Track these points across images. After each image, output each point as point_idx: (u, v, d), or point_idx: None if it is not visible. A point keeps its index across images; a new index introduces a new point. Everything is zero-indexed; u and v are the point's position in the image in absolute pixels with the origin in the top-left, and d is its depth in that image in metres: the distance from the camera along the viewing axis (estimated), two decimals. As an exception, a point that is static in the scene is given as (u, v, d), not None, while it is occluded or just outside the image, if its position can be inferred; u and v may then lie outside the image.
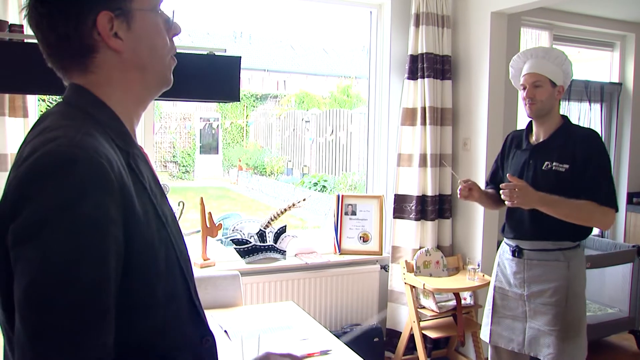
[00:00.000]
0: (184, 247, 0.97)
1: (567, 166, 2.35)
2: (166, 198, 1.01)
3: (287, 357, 1.02)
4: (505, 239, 2.58)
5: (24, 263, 0.76)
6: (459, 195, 2.57)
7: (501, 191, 2.31)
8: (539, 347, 2.41)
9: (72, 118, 0.88)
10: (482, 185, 3.52)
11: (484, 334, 2.62)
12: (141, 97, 1.00)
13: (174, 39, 1.03)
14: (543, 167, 2.41)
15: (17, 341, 0.77)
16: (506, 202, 2.31)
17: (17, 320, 0.77)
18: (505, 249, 2.57)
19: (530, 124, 2.55)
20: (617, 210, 2.32)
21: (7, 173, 0.86)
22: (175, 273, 0.92)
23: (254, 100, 12.08)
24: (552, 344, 2.36)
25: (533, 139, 2.51)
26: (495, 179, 2.71)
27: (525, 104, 2.45)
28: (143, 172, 0.91)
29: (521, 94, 2.47)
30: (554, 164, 2.37)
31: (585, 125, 4.28)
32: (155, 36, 0.97)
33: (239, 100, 2.16)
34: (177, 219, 1.05)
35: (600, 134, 2.48)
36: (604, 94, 4.82)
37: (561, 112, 2.55)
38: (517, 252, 2.48)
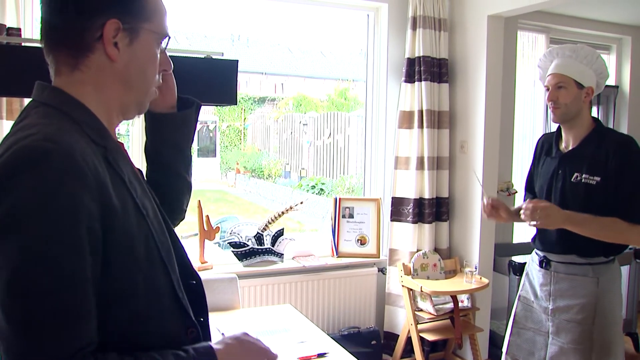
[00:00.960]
0: (166, 239, 0.99)
1: (598, 179, 2.15)
2: (149, 192, 1.02)
3: (259, 342, 1.04)
4: (535, 248, 2.41)
5: (3, 255, 0.78)
6: (484, 212, 2.40)
7: (521, 212, 2.14)
8: None
9: (48, 116, 0.90)
10: (479, 189, 3.54)
11: (505, 344, 2.48)
12: (119, 110, 1.01)
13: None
14: (572, 179, 2.21)
15: (1, 333, 0.80)
16: (528, 224, 2.13)
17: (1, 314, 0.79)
18: (534, 259, 2.41)
19: (560, 128, 2.35)
20: None
21: None
22: (156, 264, 0.94)
23: (251, 103, 12.08)
24: None
25: (562, 145, 2.31)
26: (531, 186, 2.50)
27: (550, 107, 2.26)
28: (121, 166, 0.93)
29: (546, 96, 2.28)
30: (584, 175, 2.18)
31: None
32: (149, 62, 1.01)
33: (236, 104, 2.16)
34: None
35: (636, 140, 2.23)
36: (600, 96, 4.83)
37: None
38: (544, 263, 2.32)
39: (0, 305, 0.79)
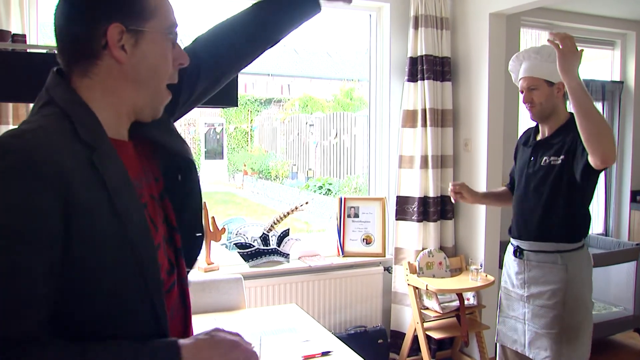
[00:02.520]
0: (151, 250, 0.97)
1: (562, 157, 2.30)
2: (137, 200, 0.99)
3: (236, 336, 1.03)
4: (510, 237, 2.56)
5: None
6: (452, 200, 2.67)
7: (553, 36, 2.09)
8: (537, 349, 2.39)
9: (47, 115, 0.93)
10: (483, 187, 3.55)
11: (496, 333, 2.63)
12: (131, 111, 1.02)
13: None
14: (542, 163, 2.38)
15: None
16: (556, 41, 2.07)
17: None
18: (510, 249, 2.56)
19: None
20: (613, 155, 2.10)
21: None
22: (127, 272, 0.93)
23: (258, 105, 12.10)
24: (549, 347, 2.34)
25: (539, 136, 2.48)
26: (512, 176, 2.70)
27: (526, 108, 2.42)
28: (108, 169, 0.92)
29: (521, 97, 2.44)
30: (552, 157, 2.34)
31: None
32: (159, 59, 1.01)
33: (237, 106, 2.18)
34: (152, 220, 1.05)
35: None
36: (605, 92, 4.82)
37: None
38: (518, 252, 2.47)
39: None
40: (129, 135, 1.06)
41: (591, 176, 2.23)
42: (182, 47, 1.07)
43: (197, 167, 1.16)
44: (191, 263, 1.21)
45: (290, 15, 1.32)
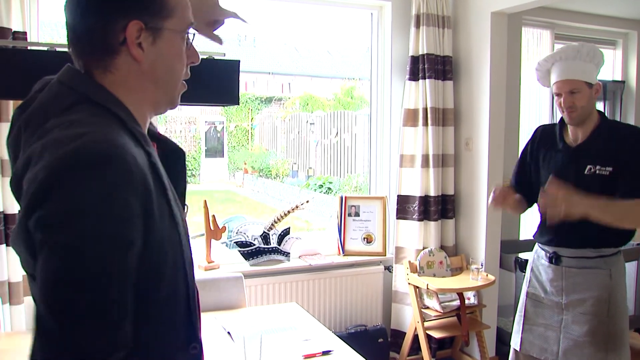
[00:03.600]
0: (190, 250, 1.00)
1: (610, 169, 2.17)
2: (179, 201, 1.02)
3: None
4: (538, 243, 2.42)
5: (53, 249, 0.79)
6: (492, 203, 2.37)
7: (541, 201, 2.07)
8: (575, 358, 2.26)
9: (100, 115, 0.90)
10: (485, 186, 3.55)
11: (514, 342, 2.47)
12: (152, 107, 1.02)
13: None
14: (586, 172, 2.21)
15: (43, 325, 0.80)
16: (548, 218, 2.05)
17: (40, 305, 0.80)
18: (540, 255, 2.40)
19: (563, 121, 2.34)
20: None
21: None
22: (178, 276, 0.95)
23: (258, 103, 12.10)
24: (590, 355, 2.22)
25: (570, 139, 2.31)
26: (522, 177, 2.49)
27: (563, 112, 2.25)
28: (161, 171, 0.94)
29: (556, 100, 2.28)
30: (597, 167, 2.18)
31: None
32: (175, 58, 1.00)
33: (239, 104, 2.18)
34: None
35: None
36: (606, 92, 4.80)
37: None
38: (554, 259, 2.32)
39: (44, 297, 0.79)
40: None
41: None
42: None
43: (185, 156, 1.14)
44: None
45: None
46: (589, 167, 2.21)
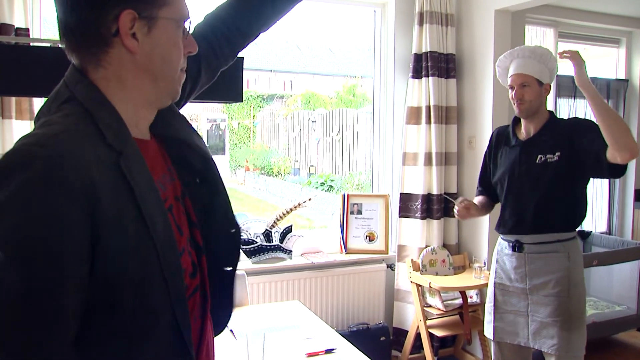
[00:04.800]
0: (173, 256, 0.93)
1: (558, 154, 2.37)
2: (162, 205, 0.95)
3: None
4: (501, 235, 2.59)
5: None
6: (457, 216, 2.65)
7: (568, 51, 2.29)
8: (543, 338, 2.41)
9: (70, 115, 0.88)
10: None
11: (488, 331, 2.62)
12: (149, 101, 0.98)
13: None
14: (537, 161, 2.42)
15: None
16: (569, 55, 2.28)
17: None
18: (503, 245, 2.57)
19: (516, 120, 2.58)
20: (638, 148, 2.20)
21: None
22: (153, 283, 0.89)
23: (260, 101, 12.09)
24: (556, 335, 2.37)
25: (523, 135, 2.52)
26: (484, 179, 2.73)
27: (514, 104, 2.47)
28: (135, 174, 0.88)
29: (510, 93, 2.49)
30: (547, 155, 2.39)
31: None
32: (172, 48, 0.96)
33: (242, 101, 2.17)
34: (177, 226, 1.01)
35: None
36: (610, 90, 4.79)
37: (551, 109, 2.57)
38: (517, 247, 2.49)
39: None
40: (153, 131, 1.03)
41: (620, 170, 2.26)
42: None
43: (215, 164, 1.12)
44: (234, 262, 1.17)
45: None
46: (539, 156, 2.42)
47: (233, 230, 1.16)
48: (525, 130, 2.52)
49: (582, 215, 2.48)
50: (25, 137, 0.84)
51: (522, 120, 2.53)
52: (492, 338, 2.60)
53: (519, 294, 2.49)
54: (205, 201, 1.11)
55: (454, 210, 2.64)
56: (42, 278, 0.77)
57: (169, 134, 1.07)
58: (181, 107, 1.23)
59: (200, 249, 1.08)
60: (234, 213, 1.18)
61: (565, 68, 2.53)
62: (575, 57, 2.27)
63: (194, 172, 1.10)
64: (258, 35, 1.36)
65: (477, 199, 2.73)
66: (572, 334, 2.37)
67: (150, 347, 0.91)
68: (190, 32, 1.02)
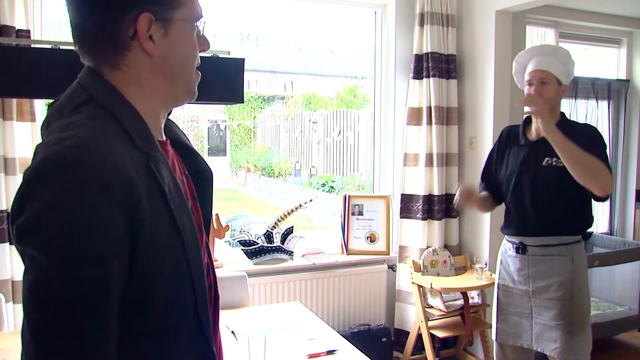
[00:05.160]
0: (199, 257, 0.94)
1: None
2: (187, 206, 0.96)
3: None
4: (506, 236, 2.56)
5: (28, 260, 0.78)
6: (457, 201, 2.53)
7: (524, 97, 2.30)
8: (546, 342, 2.40)
9: (96, 118, 0.88)
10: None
11: (493, 333, 2.60)
12: (166, 102, 0.99)
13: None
14: (543, 163, 2.38)
15: (22, 338, 0.79)
16: (527, 105, 2.26)
17: (23, 316, 0.79)
18: (507, 247, 2.54)
19: (527, 120, 2.52)
20: (611, 185, 2.27)
21: (16, 177, 0.87)
22: (182, 284, 0.91)
23: (261, 102, 12.10)
24: (558, 338, 2.35)
25: (533, 135, 2.47)
26: (488, 175, 2.67)
27: None
28: (163, 175, 0.89)
29: (526, 90, 2.43)
30: (554, 159, 2.34)
31: (592, 123, 4.24)
32: (188, 48, 0.97)
33: (243, 102, 2.17)
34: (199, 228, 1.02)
35: (600, 129, 2.51)
36: (611, 91, 4.79)
37: (564, 110, 2.51)
38: (520, 249, 2.46)
39: (23, 308, 0.78)
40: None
41: (601, 199, 2.33)
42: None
43: (213, 177, 1.13)
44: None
45: None
46: (546, 159, 2.37)
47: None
48: (535, 131, 2.46)
49: (587, 219, 2.45)
50: (60, 134, 0.83)
51: (532, 120, 2.47)
52: (494, 339, 2.59)
53: (522, 295, 2.47)
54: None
55: (456, 195, 2.55)
56: (87, 282, 0.77)
57: (174, 138, 1.08)
58: None
59: (207, 248, 1.10)
60: (210, 223, 1.17)
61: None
62: (537, 110, 2.23)
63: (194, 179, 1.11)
64: None
65: (483, 193, 2.67)
66: (575, 338, 2.35)
67: (178, 345, 0.93)
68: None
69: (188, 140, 1.12)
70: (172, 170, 0.94)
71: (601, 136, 2.38)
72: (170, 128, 1.08)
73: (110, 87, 0.92)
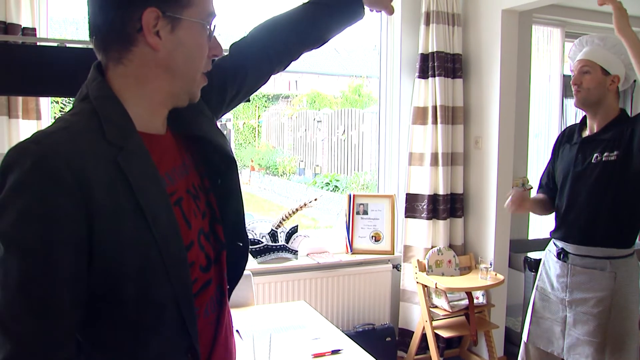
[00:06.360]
0: (179, 252, 0.94)
1: (616, 153, 2.17)
2: (167, 199, 0.95)
3: None
4: (553, 238, 2.43)
5: None
6: (510, 204, 2.43)
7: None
8: (577, 355, 2.28)
9: (77, 114, 0.92)
10: (494, 185, 3.52)
11: (524, 334, 2.51)
12: (166, 99, 1.00)
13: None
14: (592, 160, 2.23)
15: None
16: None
17: None
18: (551, 250, 2.42)
19: (584, 118, 2.37)
20: None
21: None
22: (155, 276, 0.90)
23: (265, 101, 12.08)
24: (590, 355, 2.23)
25: (586, 132, 2.33)
26: (548, 179, 2.53)
27: (573, 91, 2.29)
28: (134, 168, 0.90)
29: (572, 80, 2.31)
30: (605, 154, 2.19)
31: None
32: (194, 48, 0.98)
33: (248, 101, 2.16)
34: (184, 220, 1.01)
35: None
36: (617, 90, 4.76)
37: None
38: (562, 255, 2.34)
39: None
40: (176, 129, 1.05)
41: None
42: (218, 38, 1.05)
43: (237, 167, 1.14)
44: (236, 278, 1.18)
45: (338, 18, 1.36)
46: (595, 155, 2.23)
47: (241, 244, 1.17)
48: (589, 128, 2.32)
49: (632, 231, 2.25)
50: (30, 137, 0.88)
51: (587, 117, 2.33)
52: (525, 340, 2.49)
53: (558, 303, 2.36)
54: (220, 205, 1.12)
55: (508, 199, 2.44)
56: (38, 270, 0.81)
57: (194, 133, 1.08)
58: (222, 115, 1.27)
59: (222, 244, 1.10)
60: (245, 223, 1.18)
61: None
62: (616, 2, 2.12)
63: (218, 172, 1.12)
64: (319, 45, 1.40)
65: (536, 196, 2.55)
66: (608, 358, 2.21)
67: (156, 341, 0.93)
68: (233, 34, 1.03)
69: (219, 139, 1.12)
70: (152, 164, 0.94)
71: None
72: (196, 124, 1.09)
73: (103, 84, 0.95)
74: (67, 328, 0.85)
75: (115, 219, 0.86)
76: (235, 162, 1.13)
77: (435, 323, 3.43)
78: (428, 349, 3.44)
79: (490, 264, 3.51)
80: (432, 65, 3.59)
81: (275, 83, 13.19)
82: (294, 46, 1.33)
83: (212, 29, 1.00)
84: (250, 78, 1.28)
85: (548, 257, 2.44)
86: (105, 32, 0.94)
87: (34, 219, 0.81)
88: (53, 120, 0.93)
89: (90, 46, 0.99)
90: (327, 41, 1.39)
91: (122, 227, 0.87)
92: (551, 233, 2.44)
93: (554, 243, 2.41)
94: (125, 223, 0.87)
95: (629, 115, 2.29)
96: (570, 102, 4.56)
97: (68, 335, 0.85)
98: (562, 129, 2.57)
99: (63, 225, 0.82)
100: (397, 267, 3.77)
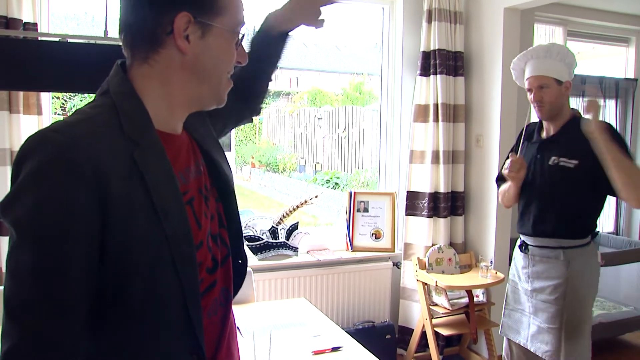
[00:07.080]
0: (189, 251, 0.94)
1: (576, 162, 2.30)
2: (180, 198, 0.95)
3: None
4: (518, 232, 2.57)
5: (9, 232, 0.84)
6: (507, 170, 2.45)
7: (587, 103, 2.20)
8: (539, 343, 2.42)
9: (97, 107, 0.93)
10: (495, 183, 3.52)
11: (500, 325, 2.65)
12: (190, 102, 1.01)
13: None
14: (550, 162, 2.37)
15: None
16: (589, 110, 2.17)
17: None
18: (518, 243, 2.57)
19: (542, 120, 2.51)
20: None
21: None
22: (164, 276, 0.90)
23: (266, 98, 12.06)
24: (549, 342, 2.37)
25: (544, 133, 2.47)
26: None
27: (535, 107, 2.39)
28: (149, 164, 0.90)
29: (528, 95, 2.42)
30: (562, 159, 2.33)
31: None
32: (223, 55, 0.99)
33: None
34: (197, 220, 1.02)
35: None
36: (619, 90, 4.76)
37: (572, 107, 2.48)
38: (523, 247, 2.50)
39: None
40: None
41: None
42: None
43: (235, 195, 1.17)
44: (234, 292, 1.18)
45: (273, 52, 1.48)
46: (552, 158, 2.36)
47: (240, 261, 1.18)
48: (546, 129, 2.47)
49: (588, 225, 2.40)
50: (51, 124, 0.88)
51: (543, 120, 2.46)
52: (499, 332, 2.64)
53: (525, 293, 2.50)
54: (225, 212, 1.14)
55: (506, 163, 2.48)
56: (51, 261, 0.81)
57: (205, 149, 1.10)
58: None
59: (228, 248, 1.11)
60: (243, 242, 1.21)
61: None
62: (597, 113, 2.17)
63: (219, 191, 1.14)
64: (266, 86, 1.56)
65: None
66: (567, 344, 2.34)
67: (162, 340, 0.93)
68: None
69: (212, 145, 1.15)
70: (168, 162, 0.95)
71: (617, 133, 2.28)
72: (206, 141, 1.12)
73: (124, 80, 0.96)
74: (76, 319, 0.84)
75: (129, 213, 0.86)
76: (234, 191, 1.16)
77: (435, 321, 3.43)
78: (428, 346, 3.44)
79: (491, 262, 3.51)
80: (433, 63, 3.59)
81: (277, 80, 13.17)
82: (255, 85, 1.49)
83: (240, 37, 1.01)
84: (232, 121, 1.40)
85: (516, 251, 2.58)
86: (135, 31, 0.95)
87: (51, 209, 0.81)
88: (54, 116, 0.93)
89: (92, 41, 0.99)
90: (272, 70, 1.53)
91: (134, 222, 0.87)
92: (517, 227, 2.58)
93: (519, 236, 2.56)
94: (138, 218, 0.87)
95: (580, 114, 2.40)
96: (574, 101, 4.56)
97: (77, 327, 0.85)
98: (523, 127, 2.63)
99: (79, 218, 0.82)
100: (397, 265, 3.77)
